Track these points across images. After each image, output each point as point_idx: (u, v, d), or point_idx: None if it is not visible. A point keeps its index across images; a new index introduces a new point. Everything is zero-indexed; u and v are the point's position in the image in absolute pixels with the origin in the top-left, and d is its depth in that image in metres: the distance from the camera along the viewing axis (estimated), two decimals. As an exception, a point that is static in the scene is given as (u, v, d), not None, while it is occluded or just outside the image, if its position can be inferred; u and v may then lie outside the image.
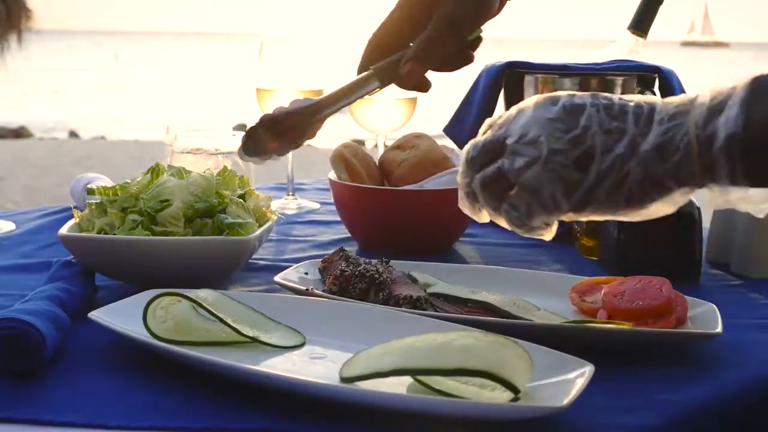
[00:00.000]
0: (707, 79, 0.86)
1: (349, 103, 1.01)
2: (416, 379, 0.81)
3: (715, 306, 1.02)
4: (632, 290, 1.04)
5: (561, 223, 0.90)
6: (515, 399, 0.77)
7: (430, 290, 1.08)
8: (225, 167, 1.21)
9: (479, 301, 1.04)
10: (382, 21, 1.02)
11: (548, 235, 0.90)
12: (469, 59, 1.02)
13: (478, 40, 1.02)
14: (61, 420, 0.76)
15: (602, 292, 1.06)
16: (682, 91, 1.55)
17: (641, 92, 1.48)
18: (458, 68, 1.02)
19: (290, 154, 1.73)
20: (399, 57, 0.99)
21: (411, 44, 0.98)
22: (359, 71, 1.01)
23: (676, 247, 1.24)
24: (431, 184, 1.37)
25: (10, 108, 23.24)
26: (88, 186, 1.20)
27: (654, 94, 1.48)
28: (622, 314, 1.01)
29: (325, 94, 1.00)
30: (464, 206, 0.91)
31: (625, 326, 0.98)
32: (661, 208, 0.85)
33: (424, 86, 1.01)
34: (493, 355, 0.79)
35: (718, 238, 1.35)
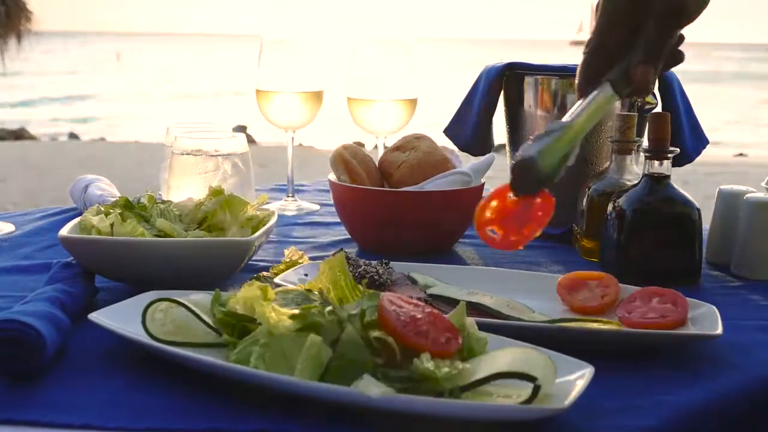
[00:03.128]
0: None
1: (596, 121, 0.97)
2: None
3: (715, 307, 1.02)
4: (645, 307, 1.04)
5: (562, 224, 0.90)
6: (531, 398, 0.76)
7: (429, 291, 1.08)
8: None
9: (474, 302, 1.04)
10: (590, 35, 1.01)
11: None
12: (680, 58, 1.01)
13: (681, 37, 1.01)
14: (61, 421, 0.77)
15: (617, 309, 1.05)
16: (683, 93, 1.55)
17: (641, 93, 1.47)
18: (672, 66, 1.02)
19: (290, 155, 1.73)
20: (626, 64, 0.97)
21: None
22: (580, 87, 0.99)
23: (676, 248, 1.24)
24: (431, 185, 1.37)
25: (10, 109, 23.25)
26: None
27: (654, 95, 1.48)
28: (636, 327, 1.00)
29: (568, 118, 0.95)
30: None
31: (619, 326, 0.98)
32: None
33: (650, 89, 1.00)
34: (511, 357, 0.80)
35: (718, 240, 1.35)
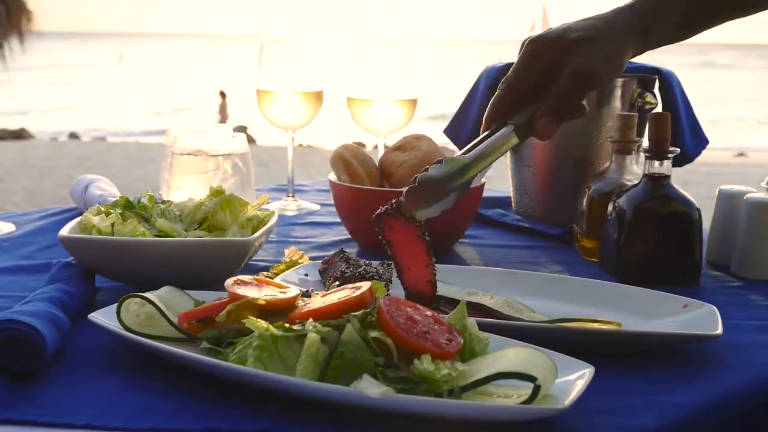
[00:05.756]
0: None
1: (493, 161, 1.02)
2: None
3: (715, 307, 1.02)
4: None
5: (562, 224, 0.91)
6: (531, 398, 0.77)
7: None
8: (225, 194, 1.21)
9: (475, 302, 1.04)
10: (508, 73, 1.04)
11: None
12: (582, 111, 1.04)
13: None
14: (60, 421, 0.76)
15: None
16: (683, 93, 1.55)
17: (641, 94, 1.48)
18: (573, 119, 1.04)
19: (290, 155, 1.73)
20: (533, 111, 1.01)
21: (532, 94, 1.02)
22: (487, 122, 1.04)
23: (677, 248, 1.24)
24: (431, 185, 1.37)
25: (10, 109, 23.26)
26: None
27: (654, 95, 1.48)
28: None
29: (466, 154, 1.00)
30: None
31: (619, 326, 0.98)
32: None
33: (551, 136, 1.02)
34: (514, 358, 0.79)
35: (718, 240, 1.35)
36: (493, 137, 1.02)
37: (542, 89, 1.02)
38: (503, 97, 1.04)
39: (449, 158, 1.00)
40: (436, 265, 1.03)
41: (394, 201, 1.02)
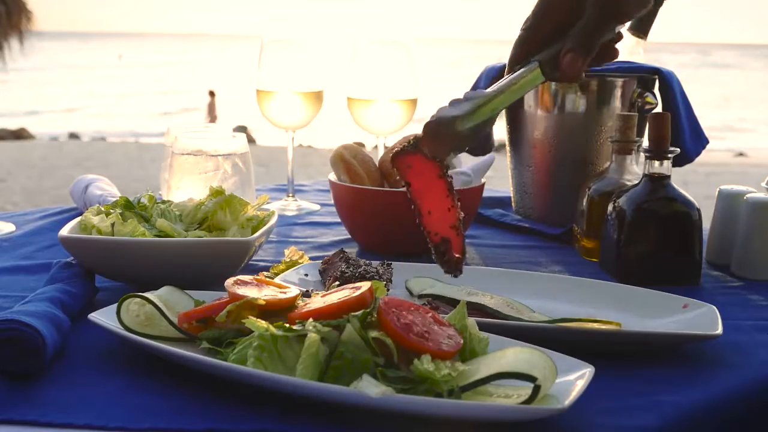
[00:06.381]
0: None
1: (516, 98, 0.97)
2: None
3: (715, 307, 1.02)
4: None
5: (562, 224, 0.90)
6: (531, 398, 0.77)
7: (428, 291, 1.08)
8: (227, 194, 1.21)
9: (475, 302, 1.04)
10: (531, 10, 1.01)
11: None
12: (614, 54, 1.01)
13: (619, 35, 1.00)
14: (60, 421, 0.76)
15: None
16: (683, 93, 1.55)
17: (641, 94, 1.48)
18: (603, 62, 1.01)
19: (290, 155, 1.73)
20: (557, 49, 0.97)
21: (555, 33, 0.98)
22: (511, 62, 0.99)
23: (677, 248, 1.24)
24: (431, 185, 1.37)
25: (10, 109, 23.26)
26: None
27: (654, 95, 1.48)
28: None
29: (490, 89, 0.96)
30: None
31: (619, 326, 0.98)
32: None
33: (580, 77, 0.98)
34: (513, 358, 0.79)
35: (718, 240, 1.35)
36: (517, 72, 0.97)
37: (567, 28, 0.98)
38: (525, 38, 1.00)
39: (469, 92, 0.94)
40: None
41: (412, 137, 0.96)
